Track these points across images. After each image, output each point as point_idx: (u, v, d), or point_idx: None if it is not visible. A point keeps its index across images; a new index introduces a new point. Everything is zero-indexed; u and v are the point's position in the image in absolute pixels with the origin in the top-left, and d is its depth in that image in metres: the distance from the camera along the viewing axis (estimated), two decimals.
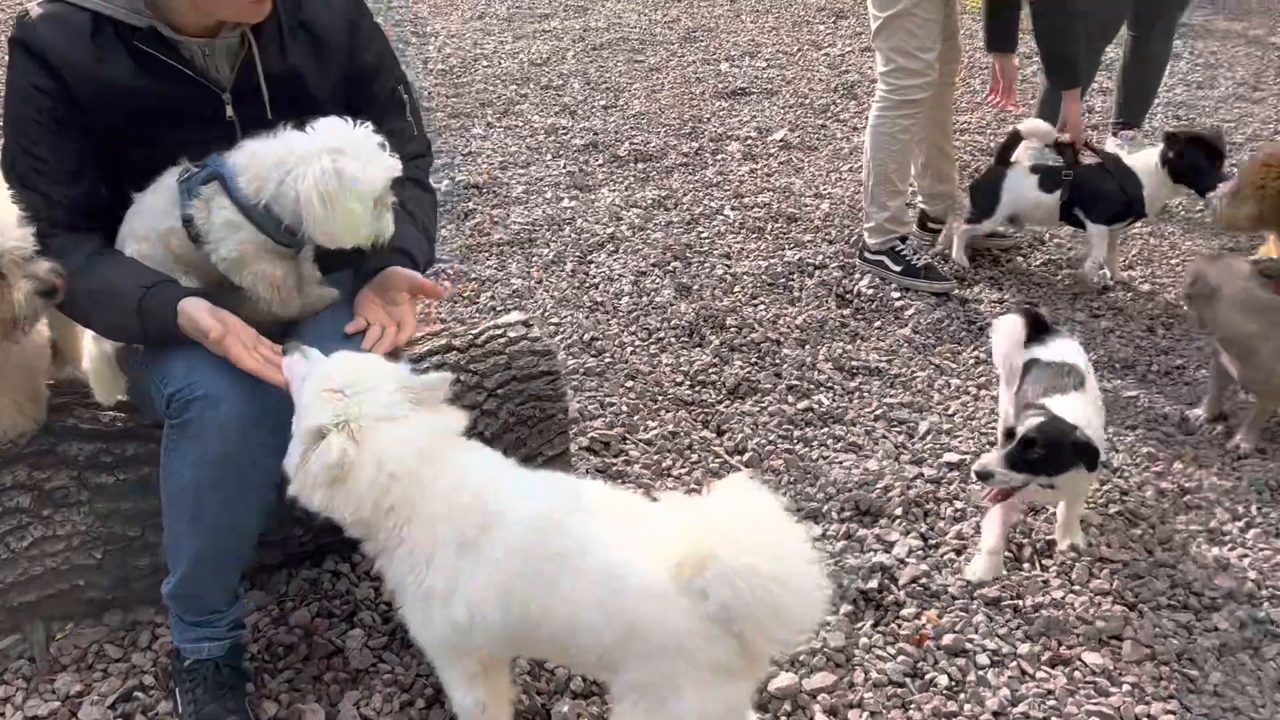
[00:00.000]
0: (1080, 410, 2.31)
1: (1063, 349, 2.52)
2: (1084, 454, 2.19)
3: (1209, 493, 2.67)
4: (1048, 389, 2.39)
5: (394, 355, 1.93)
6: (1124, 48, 4.60)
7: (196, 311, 1.74)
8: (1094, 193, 3.64)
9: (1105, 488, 2.68)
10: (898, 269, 3.76)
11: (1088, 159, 3.71)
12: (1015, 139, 3.76)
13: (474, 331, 2.51)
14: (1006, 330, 2.63)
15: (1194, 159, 3.46)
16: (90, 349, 2.02)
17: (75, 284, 1.81)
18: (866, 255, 3.85)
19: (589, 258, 3.97)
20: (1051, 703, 2.06)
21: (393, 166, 1.79)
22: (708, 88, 5.91)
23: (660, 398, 3.12)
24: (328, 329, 1.90)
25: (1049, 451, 2.19)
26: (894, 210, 3.79)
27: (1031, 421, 2.22)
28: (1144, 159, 3.62)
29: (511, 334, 2.51)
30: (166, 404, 1.74)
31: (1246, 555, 2.45)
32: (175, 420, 1.74)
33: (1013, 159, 3.77)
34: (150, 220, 1.84)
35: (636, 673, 1.57)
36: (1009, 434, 2.23)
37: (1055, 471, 2.23)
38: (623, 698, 1.61)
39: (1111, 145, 4.79)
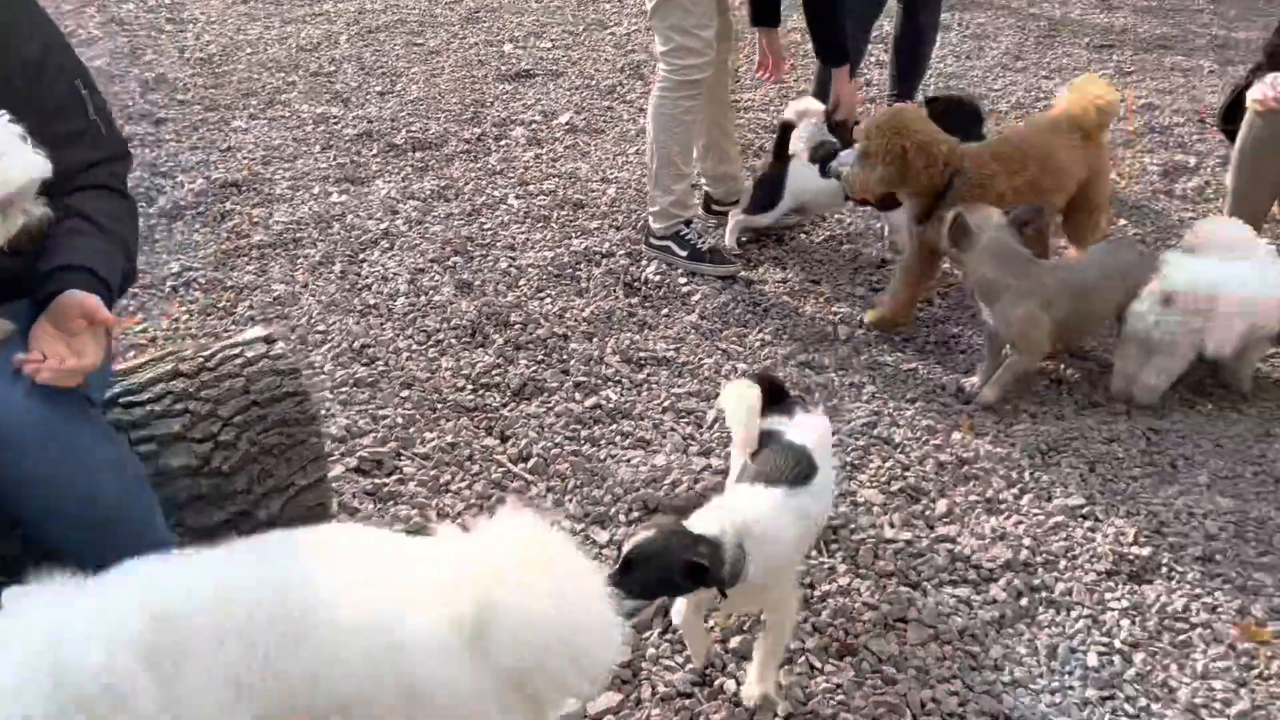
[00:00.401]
0: (774, 511, 1.90)
1: (805, 430, 2.09)
2: (697, 576, 1.74)
3: (985, 461, 2.71)
4: (762, 474, 1.98)
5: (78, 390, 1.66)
6: (895, 20, 4.68)
7: None
8: None
9: (887, 464, 2.68)
10: (683, 253, 3.68)
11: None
12: (787, 130, 3.74)
13: (205, 353, 2.23)
14: (737, 398, 2.10)
15: (953, 122, 3.47)
16: None
17: None
18: (652, 241, 3.75)
19: (361, 257, 3.71)
20: (840, 697, 2.01)
21: (34, 164, 1.52)
22: (491, 70, 5.68)
23: (439, 406, 2.92)
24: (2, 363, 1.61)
25: (652, 575, 1.75)
26: (678, 194, 3.70)
27: (636, 538, 1.78)
28: None
29: (250, 353, 2.25)
30: None
31: (1021, 522, 2.49)
32: None
33: (790, 151, 3.73)
34: None
35: None
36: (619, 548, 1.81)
37: (671, 594, 1.90)
38: None
39: None
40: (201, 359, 2.22)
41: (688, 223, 3.71)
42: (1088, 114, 3.29)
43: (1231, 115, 3.38)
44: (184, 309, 3.33)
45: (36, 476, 1.57)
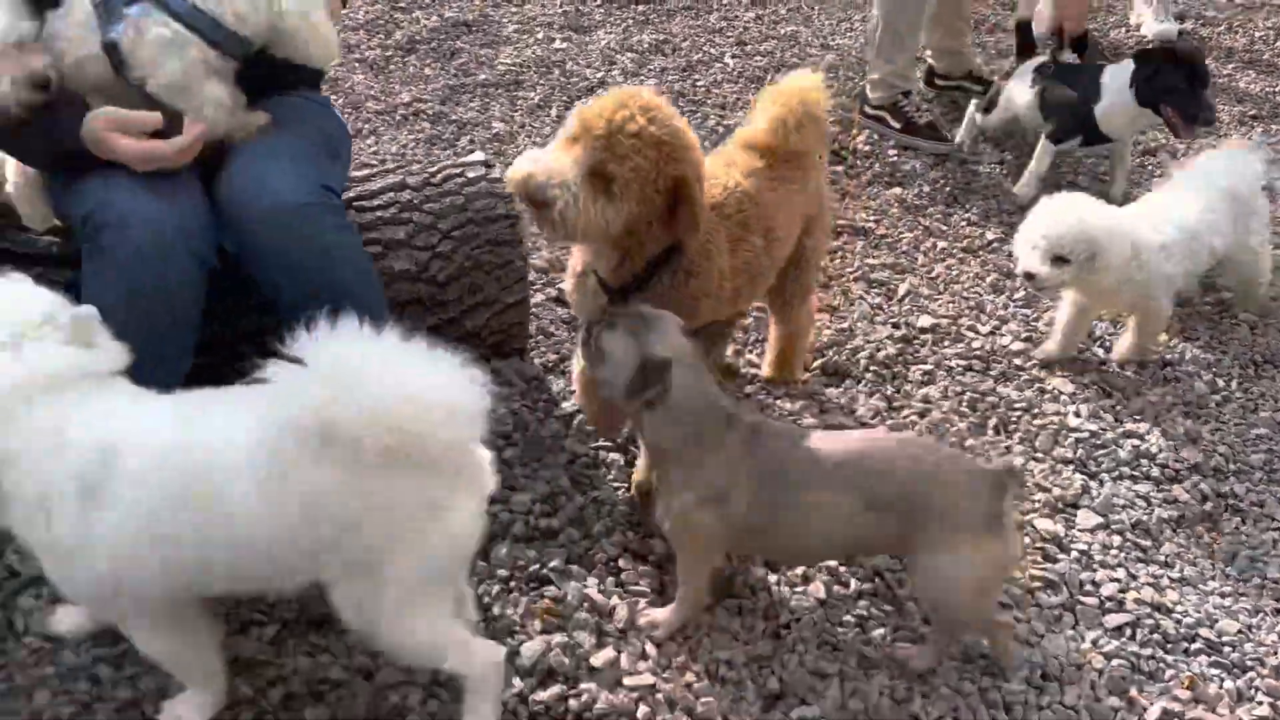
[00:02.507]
0: None
1: None
2: None
3: (1191, 365, 2.58)
4: None
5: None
6: None
7: (99, 130, 1.65)
8: (1052, 98, 3.26)
9: (1082, 355, 2.60)
10: (898, 125, 3.58)
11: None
12: (1025, 29, 3.47)
13: (430, 169, 2.41)
14: None
15: (1169, 81, 2.96)
16: (13, 175, 1.93)
17: None
18: (866, 110, 3.66)
19: (577, 103, 3.81)
20: None
21: None
22: None
23: None
24: (265, 149, 1.79)
25: None
26: (900, 64, 3.59)
27: None
28: (1119, 68, 3.12)
29: (470, 174, 2.40)
30: (82, 224, 1.67)
31: (1219, 430, 2.38)
32: (90, 244, 1.67)
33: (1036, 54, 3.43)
34: (71, 54, 1.72)
35: (346, 557, 1.44)
36: None
37: None
38: (335, 584, 1.47)
39: (1139, 6, 4.49)
40: (427, 175, 2.39)
41: (906, 94, 3.60)
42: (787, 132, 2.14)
43: None
44: (411, 137, 3.53)
45: (287, 261, 1.76)
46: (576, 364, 2.20)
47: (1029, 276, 2.41)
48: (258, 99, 1.88)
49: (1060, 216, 2.39)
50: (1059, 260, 2.37)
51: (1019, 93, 3.37)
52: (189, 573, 1.45)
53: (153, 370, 1.73)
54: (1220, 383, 2.52)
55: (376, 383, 1.35)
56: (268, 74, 1.86)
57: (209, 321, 1.84)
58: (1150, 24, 4.41)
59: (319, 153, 1.87)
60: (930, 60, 3.94)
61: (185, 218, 1.68)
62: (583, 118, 1.84)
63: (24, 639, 1.75)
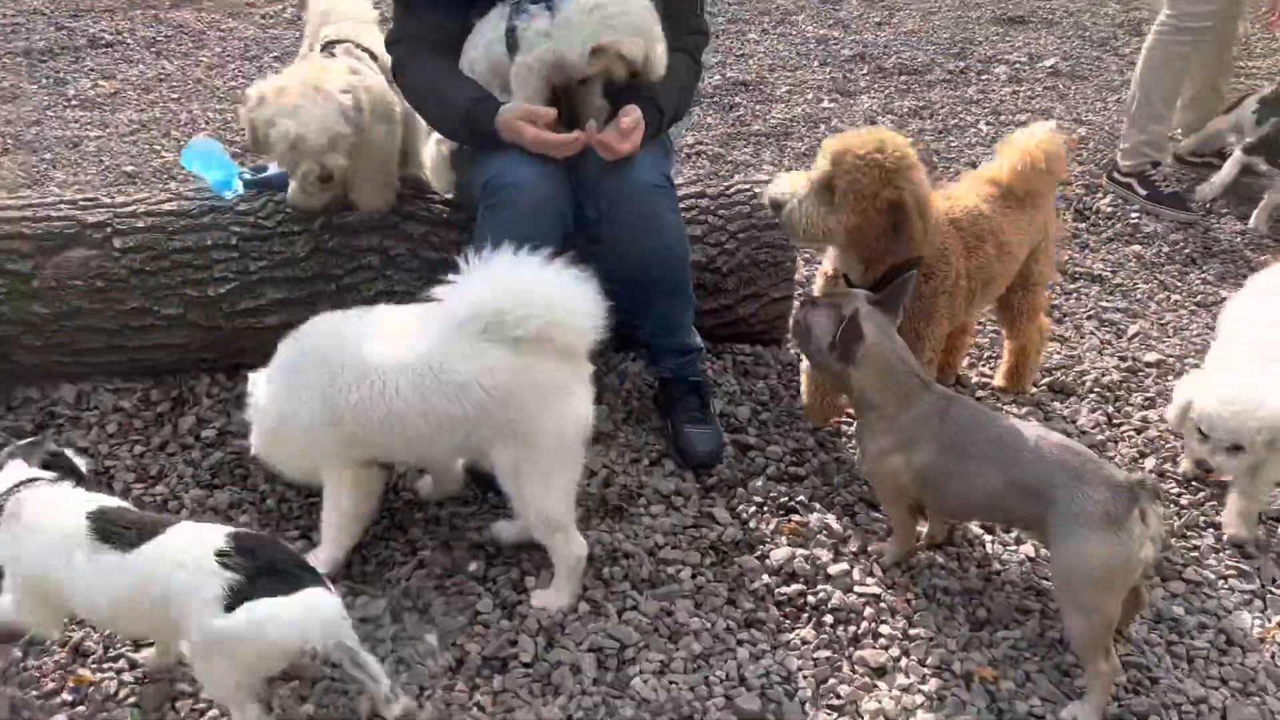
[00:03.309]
0: None
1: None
2: None
3: None
4: None
5: None
6: None
7: (511, 119, 2.24)
8: None
9: None
10: (1144, 193, 3.82)
11: None
12: None
13: (725, 184, 2.93)
14: None
15: None
16: (431, 151, 2.60)
17: (427, 94, 2.37)
18: (1115, 175, 3.92)
19: None
20: None
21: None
22: (985, 13, 5.95)
23: None
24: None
25: None
26: (1153, 135, 3.84)
27: None
28: None
29: (756, 189, 2.90)
30: (483, 187, 2.26)
31: None
32: (490, 201, 2.26)
33: None
34: (484, 39, 2.33)
35: (500, 422, 1.93)
36: None
37: None
38: (493, 448, 1.98)
39: None
40: (722, 188, 2.92)
41: (1155, 164, 3.83)
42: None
43: None
44: (693, 172, 4.10)
45: (630, 227, 2.29)
46: (804, 364, 2.64)
47: (1204, 468, 2.33)
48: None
49: (1230, 407, 2.22)
50: (1235, 449, 2.23)
51: (1242, 114, 3.79)
52: (358, 440, 2.00)
53: None
54: None
55: (531, 285, 1.90)
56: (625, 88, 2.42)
57: None
58: None
59: (660, 149, 2.41)
60: (1182, 137, 4.14)
61: (557, 188, 2.25)
62: (825, 145, 2.29)
63: (401, 492, 2.35)
